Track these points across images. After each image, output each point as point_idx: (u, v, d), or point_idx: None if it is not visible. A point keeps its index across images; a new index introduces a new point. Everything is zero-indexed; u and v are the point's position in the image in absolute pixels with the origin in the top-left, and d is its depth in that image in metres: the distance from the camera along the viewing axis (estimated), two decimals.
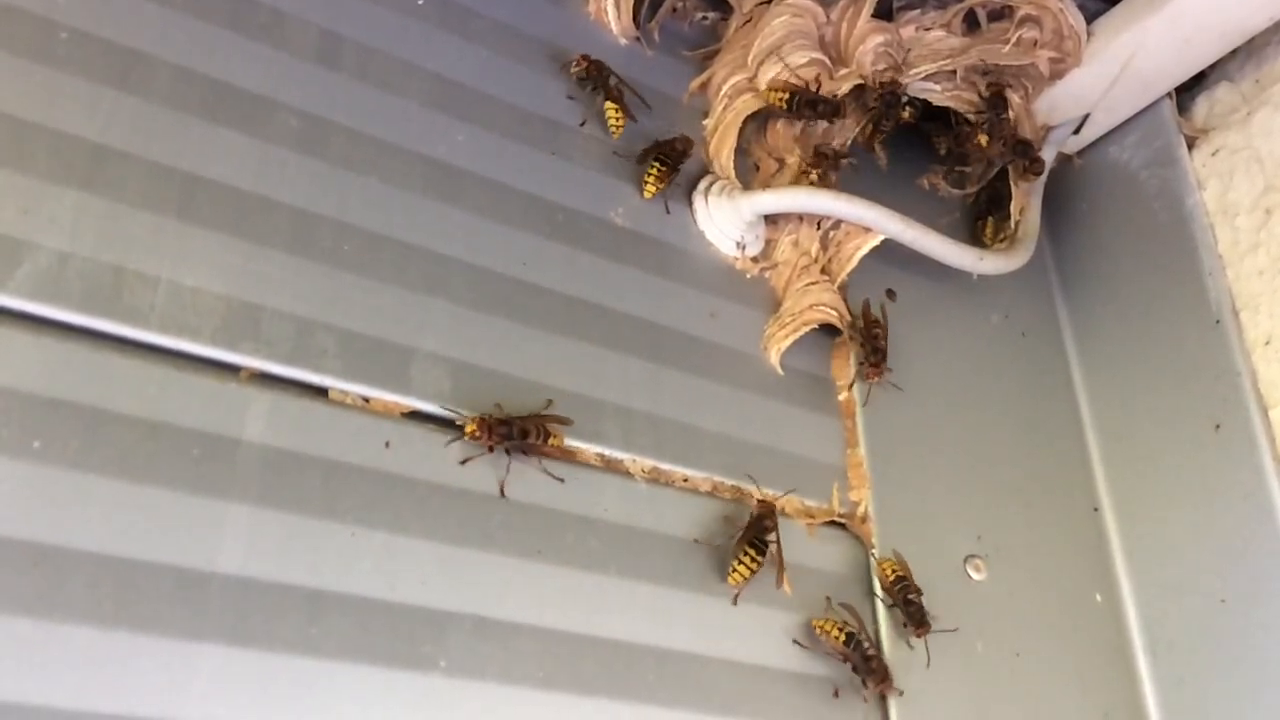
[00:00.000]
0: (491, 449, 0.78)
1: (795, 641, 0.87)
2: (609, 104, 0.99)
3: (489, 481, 0.79)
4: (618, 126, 1.00)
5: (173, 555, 0.67)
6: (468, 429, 0.77)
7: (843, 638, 0.87)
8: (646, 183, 0.99)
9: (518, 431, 0.78)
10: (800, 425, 0.99)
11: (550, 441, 0.81)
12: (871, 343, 0.99)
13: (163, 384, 0.71)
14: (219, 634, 0.66)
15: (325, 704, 0.68)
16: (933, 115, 1.13)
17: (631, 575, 0.83)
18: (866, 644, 0.87)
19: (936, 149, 1.16)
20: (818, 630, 0.87)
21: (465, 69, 0.95)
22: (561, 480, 0.82)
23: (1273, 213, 1.03)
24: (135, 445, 0.68)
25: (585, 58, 1.00)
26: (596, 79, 0.99)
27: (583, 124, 1.00)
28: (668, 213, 1.01)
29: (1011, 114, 1.11)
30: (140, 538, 0.66)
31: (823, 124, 1.07)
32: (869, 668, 0.86)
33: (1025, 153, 1.11)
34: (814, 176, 1.03)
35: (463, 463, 0.78)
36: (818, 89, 1.04)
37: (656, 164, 0.99)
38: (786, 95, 1.03)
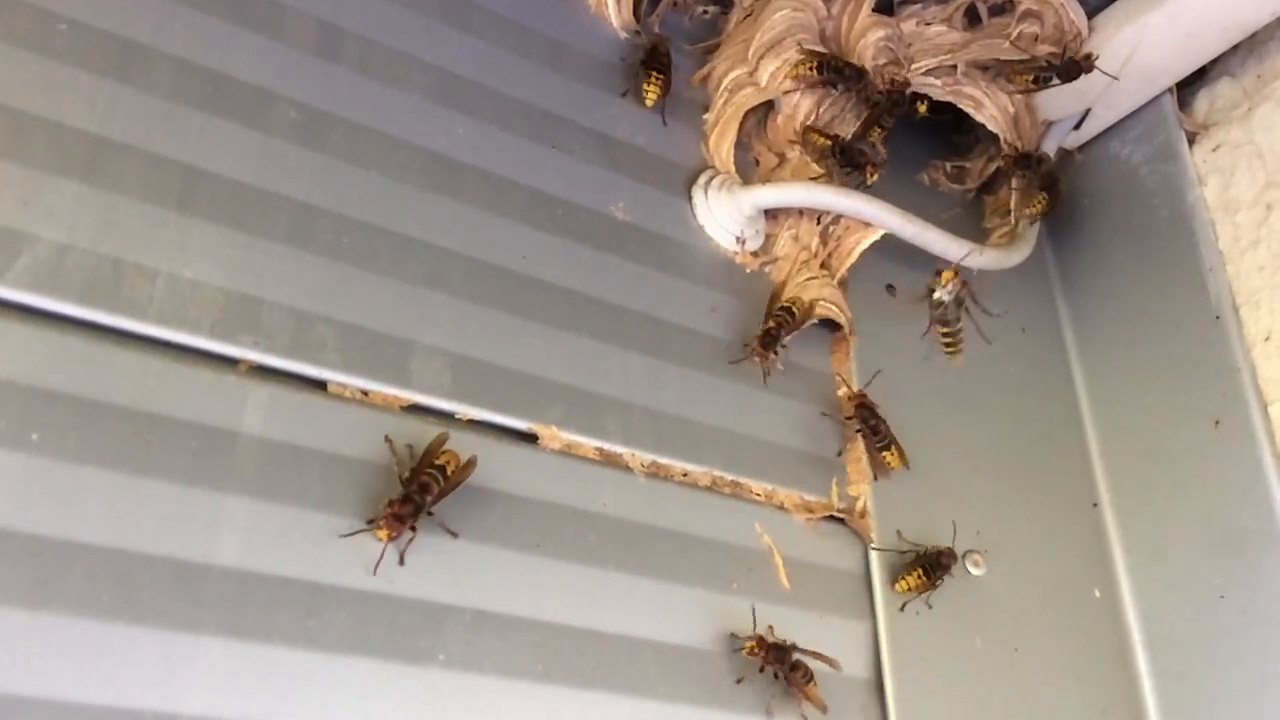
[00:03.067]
0: (414, 529, 0.73)
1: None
2: (655, 76, 1.02)
3: (488, 476, 0.79)
4: (650, 95, 1.02)
5: (171, 547, 0.67)
6: (379, 535, 0.71)
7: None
8: (647, 93, 1.02)
9: (419, 497, 0.73)
10: (800, 420, 0.98)
11: (451, 475, 0.75)
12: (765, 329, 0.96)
13: (161, 376, 0.71)
14: (217, 626, 0.66)
15: (323, 697, 0.68)
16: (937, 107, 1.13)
17: (630, 569, 0.83)
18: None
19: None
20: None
21: (466, 62, 0.95)
22: (455, 534, 0.76)
23: (1273, 208, 1.03)
24: (134, 437, 0.68)
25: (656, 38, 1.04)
26: (650, 59, 1.02)
27: (624, 94, 1.03)
28: (664, 124, 1.04)
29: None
30: (138, 530, 0.66)
31: (842, 94, 1.08)
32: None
33: (1028, 164, 1.13)
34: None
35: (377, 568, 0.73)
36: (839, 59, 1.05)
37: (651, 72, 1.01)
38: (815, 63, 1.04)
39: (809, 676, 0.84)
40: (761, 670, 0.83)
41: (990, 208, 1.22)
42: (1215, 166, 1.09)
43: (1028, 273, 1.16)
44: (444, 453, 0.76)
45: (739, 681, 0.83)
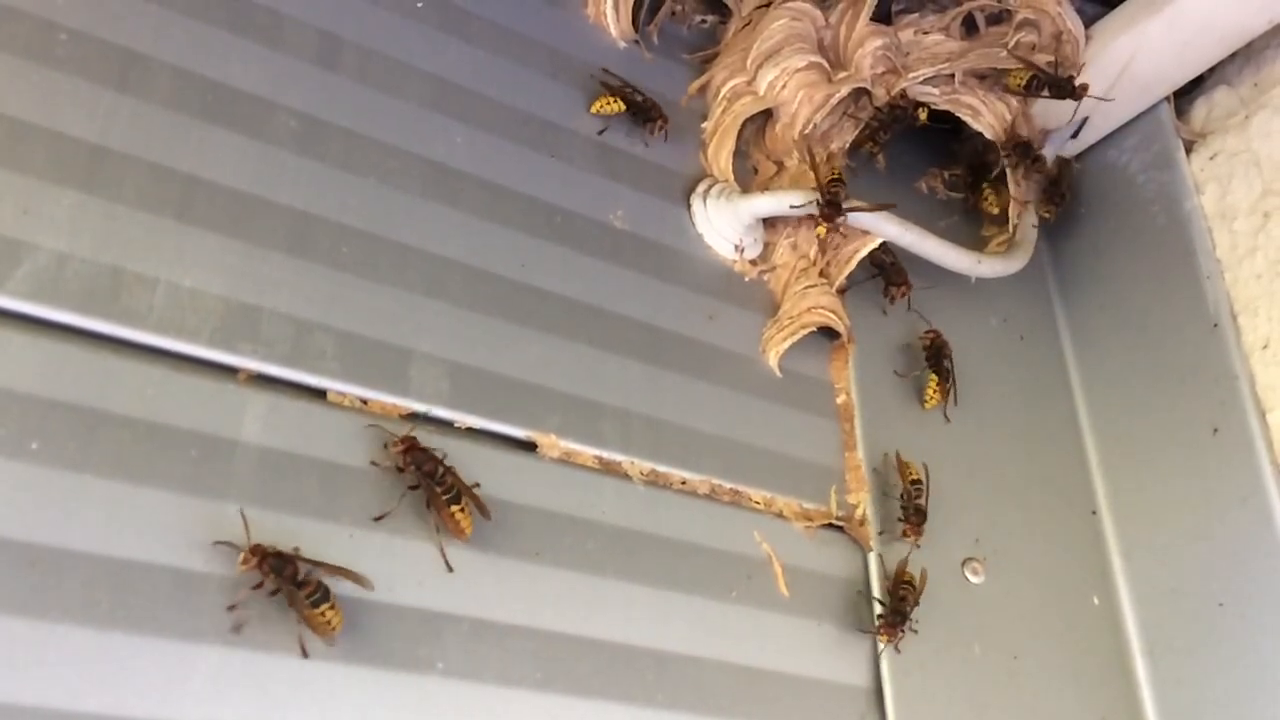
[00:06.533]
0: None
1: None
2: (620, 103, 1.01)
3: (487, 484, 0.79)
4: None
5: (170, 556, 0.67)
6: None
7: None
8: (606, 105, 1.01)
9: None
10: (798, 428, 0.99)
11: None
12: (913, 502, 0.95)
13: (161, 385, 0.71)
14: (216, 635, 0.66)
15: (322, 705, 0.68)
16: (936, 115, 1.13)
17: (629, 577, 0.83)
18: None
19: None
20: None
21: (464, 71, 0.95)
22: (451, 569, 0.77)
23: (1271, 216, 1.03)
24: (133, 446, 0.68)
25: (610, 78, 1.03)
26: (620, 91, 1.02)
27: (601, 132, 1.01)
28: (600, 133, 1.02)
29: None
30: (137, 538, 0.66)
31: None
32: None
33: (1027, 152, 1.12)
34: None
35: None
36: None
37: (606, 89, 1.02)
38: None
39: (320, 597, 0.68)
40: (258, 587, 0.67)
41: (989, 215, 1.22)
42: (1212, 174, 1.10)
43: (1026, 280, 1.16)
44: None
45: (231, 609, 0.67)
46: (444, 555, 0.76)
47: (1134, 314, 1.13)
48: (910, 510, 0.94)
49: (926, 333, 1.06)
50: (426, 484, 0.75)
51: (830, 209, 0.98)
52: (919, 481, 0.96)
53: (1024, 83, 1.10)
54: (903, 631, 0.91)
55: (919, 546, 0.94)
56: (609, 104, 1.01)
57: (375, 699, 0.70)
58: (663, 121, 1.02)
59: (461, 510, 0.75)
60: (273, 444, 0.73)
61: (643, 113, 1.02)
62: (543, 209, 0.94)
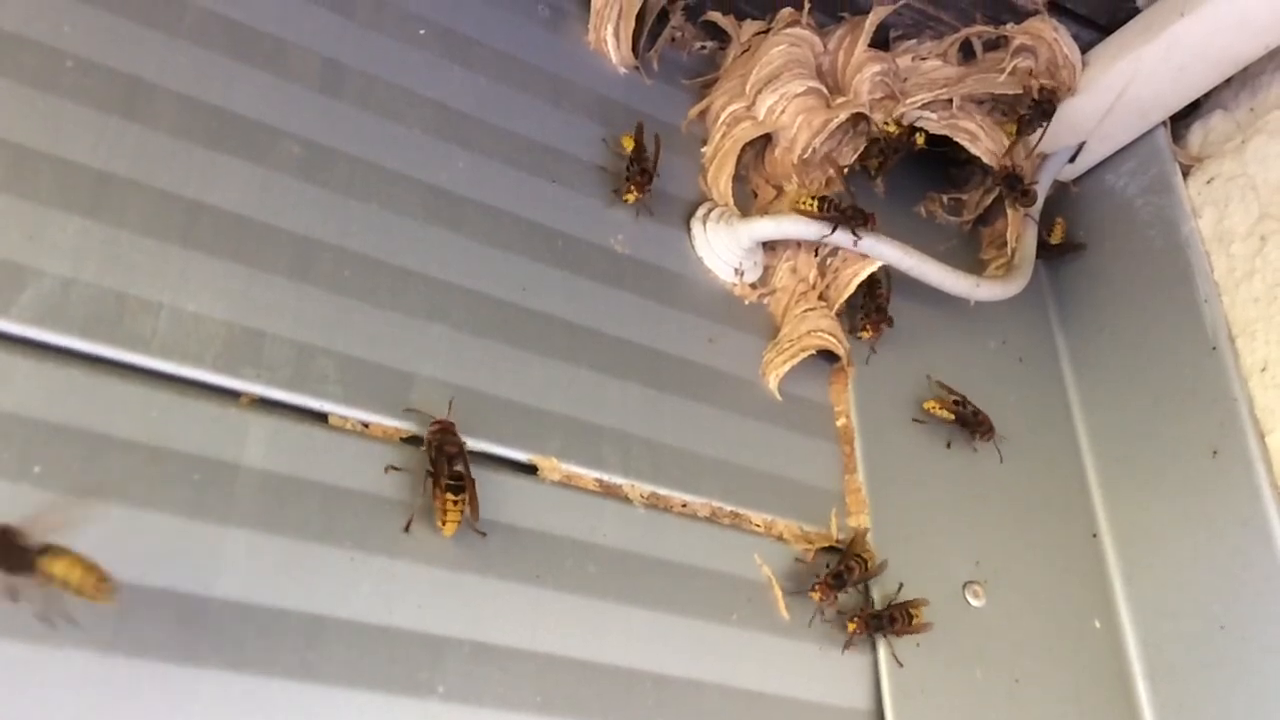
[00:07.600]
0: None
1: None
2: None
3: (488, 507, 0.79)
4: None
5: (172, 580, 0.67)
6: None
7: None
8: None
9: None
10: (798, 450, 0.99)
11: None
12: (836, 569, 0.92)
13: (164, 409, 0.71)
14: (217, 659, 0.66)
15: None
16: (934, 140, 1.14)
17: (629, 600, 0.83)
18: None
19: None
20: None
21: (466, 97, 0.96)
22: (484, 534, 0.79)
23: (1268, 240, 1.03)
24: (136, 470, 0.69)
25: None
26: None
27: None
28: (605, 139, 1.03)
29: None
30: (140, 562, 0.66)
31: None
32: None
33: (1014, 185, 1.12)
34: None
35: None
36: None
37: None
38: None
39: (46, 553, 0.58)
40: None
41: (987, 239, 1.23)
42: (1210, 199, 1.10)
43: (1025, 304, 1.17)
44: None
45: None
46: (409, 524, 0.76)
47: (1133, 337, 1.13)
48: (830, 575, 0.91)
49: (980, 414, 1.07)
50: (439, 463, 0.76)
51: (862, 217, 1.01)
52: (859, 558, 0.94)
53: (1015, 129, 1.11)
54: (835, 596, 0.90)
55: (821, 610, 0.91)
56: (629, 143, 1.02)
57: None
58: (639, 193, 0.99)
59: (455, 503, 0.75)
60: (275, 468, 0.73)
61: (637, 175, 1.00)
62: (544, 233, 0.94)
